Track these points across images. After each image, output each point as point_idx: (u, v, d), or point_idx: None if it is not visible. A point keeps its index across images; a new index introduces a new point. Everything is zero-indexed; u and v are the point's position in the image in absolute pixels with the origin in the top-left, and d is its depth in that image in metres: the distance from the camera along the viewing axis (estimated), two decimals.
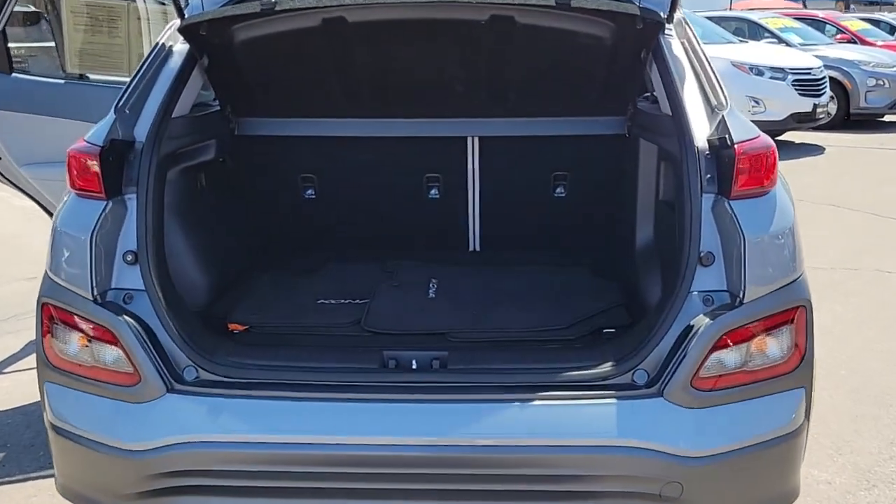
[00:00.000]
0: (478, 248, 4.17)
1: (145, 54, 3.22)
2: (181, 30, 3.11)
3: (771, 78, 12.37)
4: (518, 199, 3.97)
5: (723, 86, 2.96)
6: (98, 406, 2.71)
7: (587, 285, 3.57)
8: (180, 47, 3.20)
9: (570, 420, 2.56)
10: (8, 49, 4.57)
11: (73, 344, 2.77)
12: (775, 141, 2.97)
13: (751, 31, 16.15)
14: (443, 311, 3.27)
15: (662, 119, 3.09)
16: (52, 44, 5.14)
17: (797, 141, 13.03)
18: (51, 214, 4.14)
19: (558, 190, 3.99)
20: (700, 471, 2.54)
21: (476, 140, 3.83)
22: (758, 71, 12.46)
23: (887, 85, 14.22)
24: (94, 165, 2.70)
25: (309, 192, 3.96)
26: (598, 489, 2.52)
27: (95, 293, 2.66)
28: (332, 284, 3.61)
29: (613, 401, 2.53)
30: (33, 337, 2.91)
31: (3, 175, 4.79)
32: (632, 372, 2.57)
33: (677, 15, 3.17)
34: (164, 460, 2.53)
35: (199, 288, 3.35)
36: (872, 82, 14.23)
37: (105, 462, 2.64)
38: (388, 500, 2.61)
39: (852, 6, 31.41)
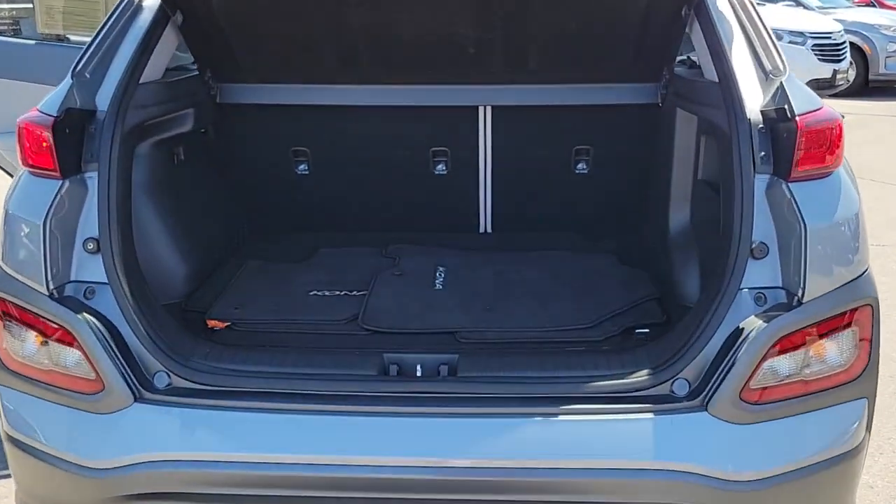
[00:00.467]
0: (489, 230, 3.86)
1: None
2: None
3: (790, 42, 11.88)
4: (534, 176, 3.69)
5: (779, 48, 2.63)
6: (56, 416, 2.43)
7: (613, 274, 3.26)
8: (151, 1, 2.87)
9: (598, 439, 2.27)
10: None
11: (28, 344, 2.44)
12: None
13: None
14: (451, 305, 2.94)
15: (706, 86, 2.75)
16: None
17: None
18: None
19: (580, 166, 3.67)
20: (748, 497, 2.27)
21: (489, 110, 3.51)
22: (776, 35, 11.95)
23: None
24: (48, 139, 2.39)
25: (301, 167, 3.65)
26: None
27: (51, 287, 2.40)
28: (325, 273, 3.30)
29: (649, 416, 2.28)
30: None
31: None
32: (670, 381, 2.31)
33: None
34: (130, 481, 2.30)
35: (174, 278, 3.03)
36: (893, 47, 13.80)
37: (64, 480, 2.38)
38: None
39: None
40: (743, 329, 2.28)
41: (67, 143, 2.41)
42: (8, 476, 3.56)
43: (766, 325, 2.25)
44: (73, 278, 2.41)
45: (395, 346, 2.64)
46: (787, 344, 2.31)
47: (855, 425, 2.36)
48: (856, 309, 2.33)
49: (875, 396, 2.47)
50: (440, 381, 2.41)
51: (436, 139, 3.58)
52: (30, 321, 2.44)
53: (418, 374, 2.46)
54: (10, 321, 2.49)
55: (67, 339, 2.39)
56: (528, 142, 3.62)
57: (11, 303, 2.44)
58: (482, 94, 3.46)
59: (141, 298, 2.48)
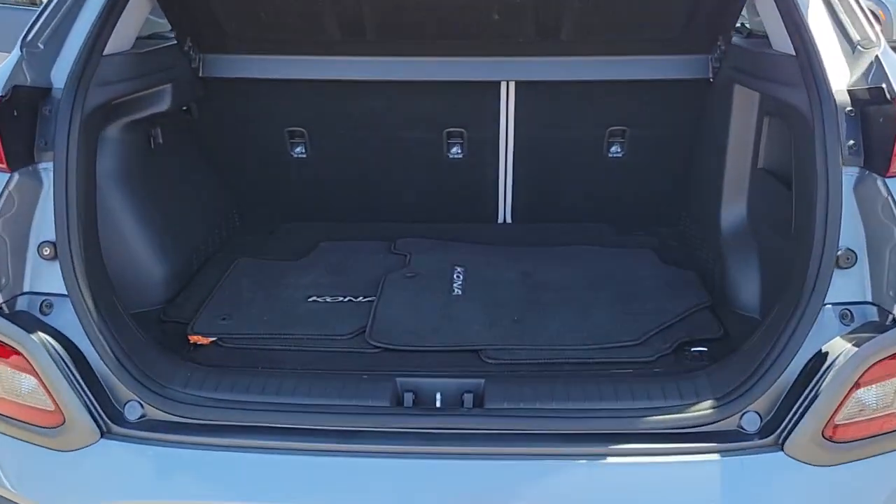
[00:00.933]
0: (508, 220, 3.52)
1: None
2: None
3: None
4: (562, 161, 3.38)
5: (869, 16, 2.26)
6: (10, 453, 2.12)
7: (656, 275, 2.91)
8: None
9: (654, 486, 1.97)
10: None
11: None
12: None
13: None
14: (473, 316, 2.58)
15: (775, 60, 2.38)
16: None
17: None
18: None
19: (614, 150, 3.31)
20: None
21: (512, 85, 3.19)
22: None
23: None
24: None
25: (298, 150, 3.32)
26: None
27: (0, 300, 2.05)
28: (326, 273, 2.94)
29: (714, 457, 2.00)
30: None
31: None
32: (739, 415, 2.04)
33: None
34: None
35: (150, 282, 2.69)
36: None
37: None
38: None
39: None
40: (827, 353, 2.00)
41: (16, 128, 2.10)
42: None
43: (855, 348, 1.95)
44: (26, 290, 2.13)
45: (409, 368, 2.31)
46: (880, 371, 1.98)
47: None
48: None
49: None
50: (465, 414, 2.07)
51: (451, 119, 3.27)
52: None
53: (438, 404, 2.13)
54: None
55: (20, 363, 2.06)
56: (556, 122, 3.26)
57: None
58: (506, 67, 3.10)
59: (108, 312, 2.15)
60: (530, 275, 2.91)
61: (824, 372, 1.95)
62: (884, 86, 1.97)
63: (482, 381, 2.19)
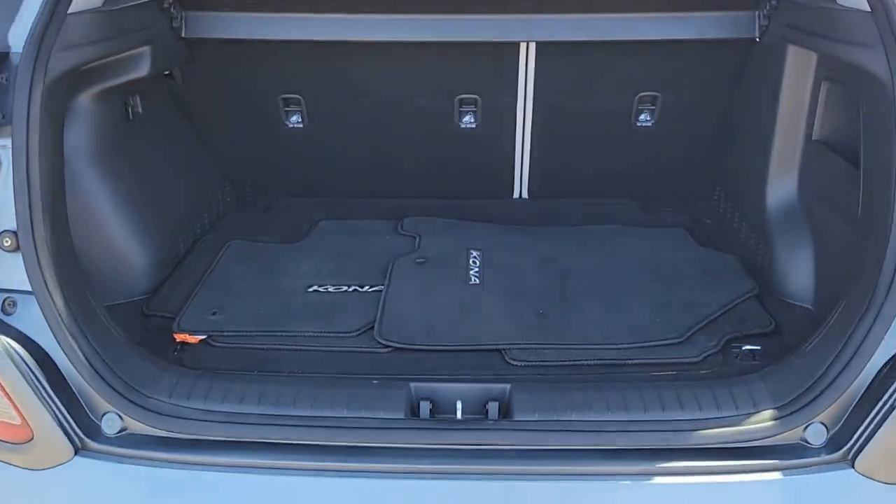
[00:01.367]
0: (524, 196, 3.27)
1: None
2: None
3: None
4: (585, 130, 3.13)
5: None
6: None
7: (693, 258, 2.67)
8: None
9: None
10: None
11: None
12: None
13: None
14: (494, 309, 2.35)
15: (843, 16, 2.11)
16: None
17: None
18: None
19: (643, 118, 3.05)
20: None
21: (532, 47, 2.93)
22: None
23: None
24: None
25: (293, 119, 3.09)
26: None
27: None
28: (328, 258, 2.69)
29: (775, 475, 1.83)
30: None
31: None
32: (802, 427, 1.85)
33: None
34: None
35: (131, 271, 2.45)
36: None
37: None
38: None
39: None
40: None
41: None
42: None
43: None
44: None
45: (424, 371, 2.08)
46: None
47: None
48: None
49: None
50: (490, 428, 1.85)
51: (463, 85, 3.01)
52: None
53: (459, 414, 1.91)
54: None
55: None
56: (580, 88, 2.99)
57: None
58: (525, 26, 2.84)
59: (81, 310, 1.94)
60: (553, 260, 2.67)
61: None
62: None
63: (507, 386, 1.97)
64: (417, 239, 2.83)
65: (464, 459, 1.81)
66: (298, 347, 2.21)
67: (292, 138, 3.14)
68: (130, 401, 1.89)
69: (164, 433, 1.88)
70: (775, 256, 2.50)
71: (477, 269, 2.58)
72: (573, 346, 2.17)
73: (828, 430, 1.83)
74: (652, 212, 3.16)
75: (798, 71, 2.47)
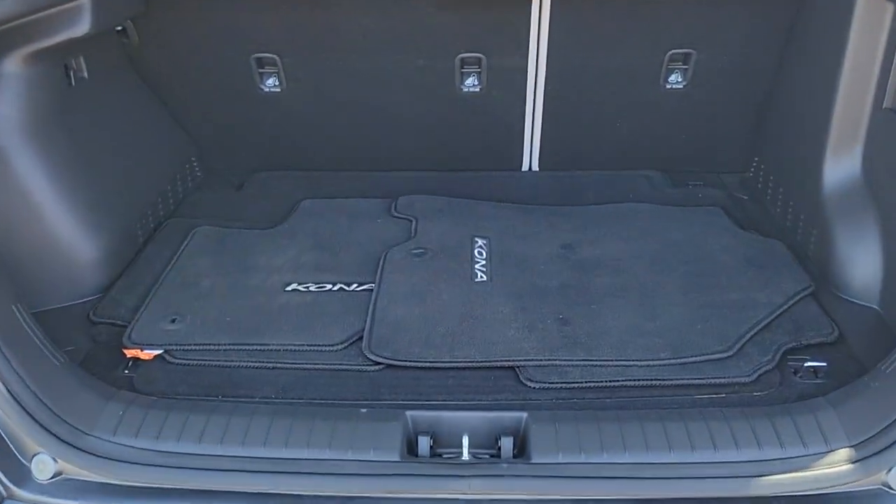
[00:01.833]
0: (535, 168, 2.93)
1: None
2: None
3: None
4: (606, 94, 2.79)
5: None
6: None
7: (732, 246, 2.33)
8: None
9: None
10: None
11: None
12: None
13: None
14: (505, 313, 2.01)
15: None
16: None
17: None
18: None
19: (673, 78, 2.69)
20: None
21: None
22: None
23: None
24: None
25: (269, 82, 2.75)
26: None
27: None
28: (310, 249, 2.34)
29: None
30: None
31: None
32: (886, 471, 1.56)
33: None
34: None
35: (75, 268, 2.12)
36: None
37: None
38: None
39: None
40: None
41: None
42: None
43: None
44: None
45: (423, 394, 1.77)
46: None
47: None
48: None
49: None
50: (504, 473, 1.54)
51: (466, 42, 2.66)
52: None
53: (464, 454, 1.60)
54: None
55: None
56: (601, 45, 2.62)
57: None
58: None
59: (3, 328, 1.58)
60: (572, 248, 2.33)
61: None
62: None
63: (524, 415, 1.66)
64: (413, 223, 2.49)
65: None
66: (273, 365, 1.88)
67: (268, 104, 2.78)
68: (63, 441, 1.59)
69: (105, 479, 1.57)
70: (834, 245, 2.16)
71: (483, 263, 2.25)
72: (601, 363, 1.84)
73: None
74: (680, 185, 2.82)
75: (869, 25, 2.09)
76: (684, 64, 2.67)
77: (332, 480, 1.54)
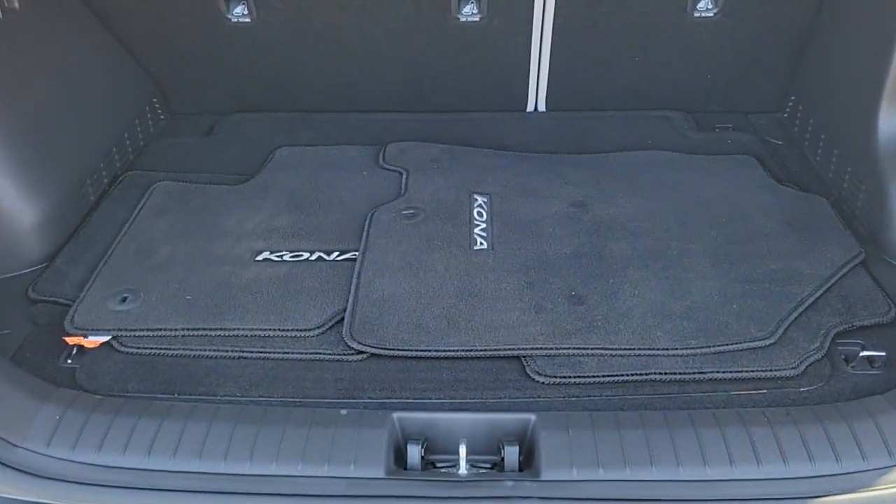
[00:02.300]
0: (541, 108, 2.63)
1: None
2: None
3: None
4: (623, 23, 2.45)
5: None
6: None
7: (770, 205, 2.04)
8: None
9: None
10: None
11: None
12: None
13: None
14: (508, 289, 1.76)
15: None
16: None
17: None
18: None
19: (702, 5, 2.36)
20: None
21: None
22: None
23: None
24: None
25: (238, 10, 2.47)
26: None
27: None
28: (286, 210, 2.06)
29: None
30: None
31: None
32: None
33: None
34: None
35: (11, 236, 1.85)
36: None
37: None
38: None
39: None
40: None
41: None
42: None
43: None
44: None
45: (413, 391, 1.53)
46: None
47: None
48: None
49: None
50: (509, 494, 1.32)
51: None
52: None
53: (462, 466, 1.38)
54: None
55: None
56: None
57: None
58: None
59: None
60: (585, 206, 2.06)
61: None
62: None
63: (531, 418, 1.43)
64: (404, 176, 2.21)
65: None
66: (239, 354, 1.64)
67: (237, 36, 2.46)
68: None
69: (37, 500, 1.36)
70: (888, 203, 1.89)
71: (484, 226, 1.98)
72: (622, 351, 1.59)
73: None
74: (706, 129, 2.54)
75: None
76: None
77: (308, 502, 1.32)
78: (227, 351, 1.64)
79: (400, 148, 2.36)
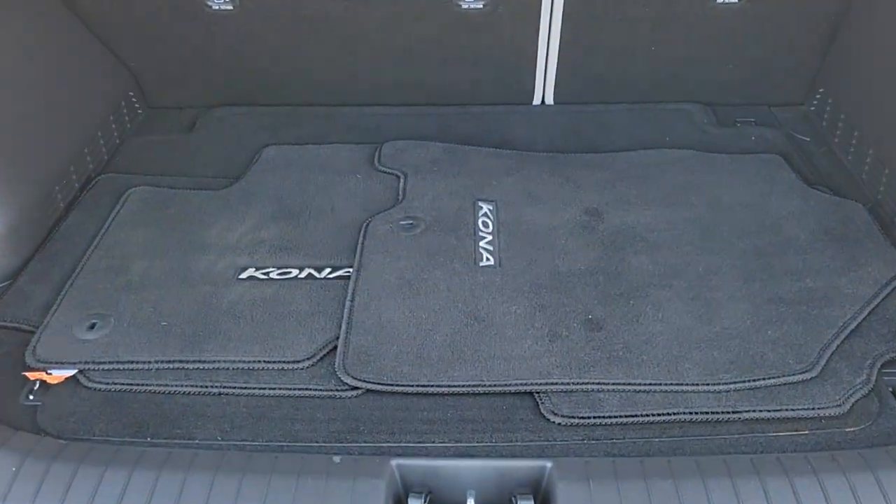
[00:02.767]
0: (549, 101, 2.47)
1: None
2: None
3: None
4: (639, 9, 2.27)
5: None
6: None
7: (802, 212, 1.88)
8: None
9: None
10: None
11: None
12: None
13: None
14: (518, 313, 1.61)
15: None
16: None
17: None
18: None
19: None
20: None
21: None
22: None
23: None
24: None
25: None
26: None
27: None
28: (273, 219, 1.90)
29: None
30: None
31: None
32: None
33: None
34: None
35: None
36: None
37: None
38: None
39: None
40: None
41: None
42: None
43: None
44: None
45: (414, 433, 1.39)
46: None
47: None
48: None
49: None
50: None
51: None
52: None
53: None
54: None
55: None
56: None
57: None
58: None
59: None
60: (600, 215, 1.91)
61: None
62: None
63: (547, 465, 1.29)
64: (402, 180, 2.05)
65: None
66: (219, 389, 1.49)
67: (219, 25, 2.28)
68: None
69: None
70: None
71: (489, 238, 1.82)
72: (647, 387, 1.45)
73: None
74: (727, 124, 2.38)
75: None
76: None
77: None
78: (205, 386, 1.49)
79: (397, 147, 2.20)
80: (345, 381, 1.48)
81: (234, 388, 1.48)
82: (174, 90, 2.46)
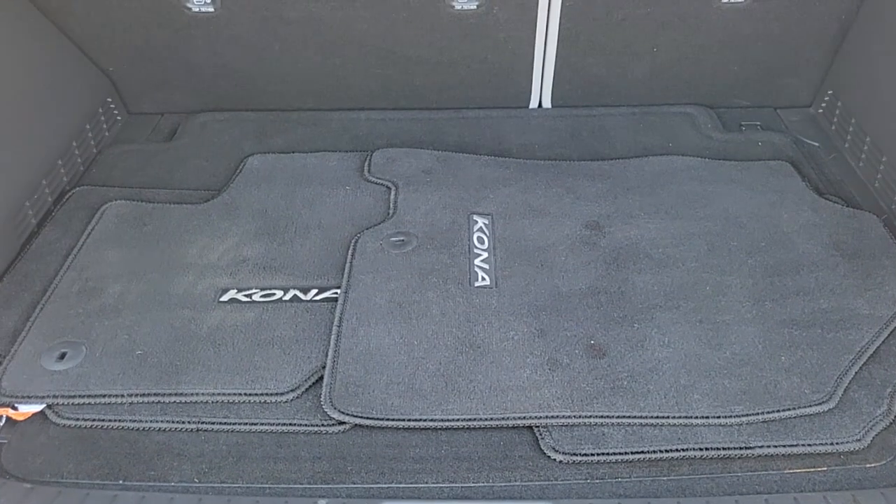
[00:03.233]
0: (546, 105, 2.39)
1: None
2: None
3: None
4: (640, 10, 2.20)
5: None
6: None
7: (815, 224, 1.79)
8: None
9: None
10: None
11: None
12: None
13: None
14: (516, 339, 1.52)
15: None
16: None
17: None
18: None
19: None
20: None
21: None
22: None
23: None
24: None
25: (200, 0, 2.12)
26: None
27: None
28: (256, 236, 1.81)
29: None
30: None
31: None
32: None
33: None
34: None
35: None
36: None
37: None
38: None
39: None
40: None
41: None
42: None
43: None
44: None
45: (405, 472, 1.31)
46: None
47: None
48: None
49: None
50: None
51: None
52: None
53: None
54: None
55: None
56: None
57: None
58: None
59: None
60: (601, 229, 1.83)
61: None
62: None
63: None
64: (393, 192, 1.97)
65: None
66: (197, 425, 1.42)
67: (199, 27, 2.19)
68: None
69: None
70: None
71: (485, 256, 1.74)
72: (654, 420, 1.38)
73: None
74: (732, 129, 2.30)
75: None
76: None
77: None
78: (182, 422, 1.41)
79: (387, 156, 2.11)
80: (331, 415, 1.39)
81: (214, 423, 1.40)
82: (154, 95, 2.38)
